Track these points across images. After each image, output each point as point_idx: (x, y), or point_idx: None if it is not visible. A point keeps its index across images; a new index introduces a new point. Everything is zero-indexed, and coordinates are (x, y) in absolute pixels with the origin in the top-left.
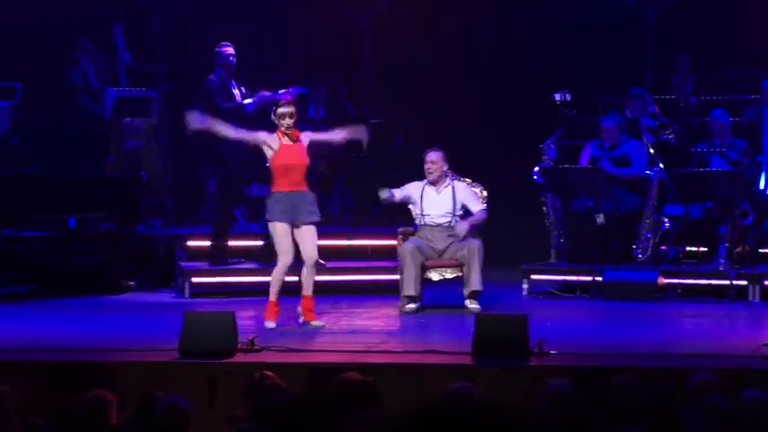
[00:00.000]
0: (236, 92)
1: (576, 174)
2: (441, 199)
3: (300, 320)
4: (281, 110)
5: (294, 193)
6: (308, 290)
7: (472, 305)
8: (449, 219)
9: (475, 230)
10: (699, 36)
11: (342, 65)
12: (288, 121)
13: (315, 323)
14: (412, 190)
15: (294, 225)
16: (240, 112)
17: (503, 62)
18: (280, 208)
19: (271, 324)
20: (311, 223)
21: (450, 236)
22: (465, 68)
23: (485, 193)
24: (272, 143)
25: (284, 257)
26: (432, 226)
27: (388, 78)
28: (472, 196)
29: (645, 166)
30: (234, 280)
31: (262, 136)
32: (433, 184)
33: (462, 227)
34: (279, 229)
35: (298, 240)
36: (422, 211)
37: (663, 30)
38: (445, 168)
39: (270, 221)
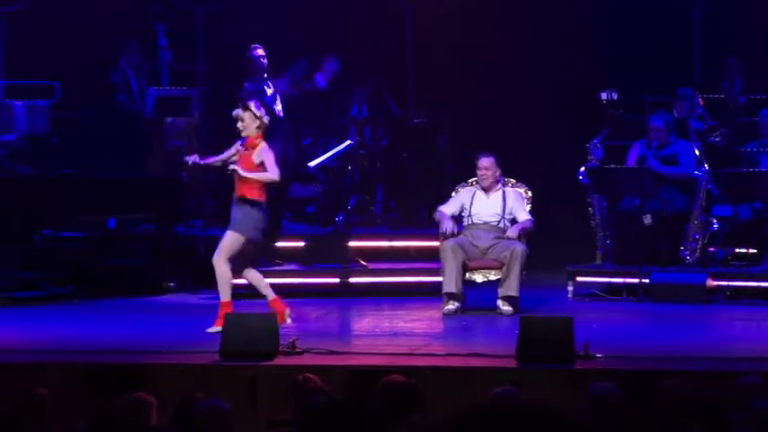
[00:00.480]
0: (269, 90)
1: (623, 174)
2: (491, 202)
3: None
4: (233, 113)
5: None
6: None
7: (504, 307)
8: (497, 219)
9: (523, 235)
10: (747, 36)
11: (385, 63)
12: (238, 126)
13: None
14: (463, 198)
15: None
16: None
17: (549, 60)
18: None
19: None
20: (230, 228)
21: (496, 237)
22: (510, 66)
23: (529, 194)
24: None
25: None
26: (478, 224)
27: (433, 77)
28: (521, 205)
29: (693, 166)
30: (275, 281)
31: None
32: (484, 189)
33: (513, 231)
34: None
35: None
36: (470, 212)
37: (711, 28)
38: (498, 174)
39: None
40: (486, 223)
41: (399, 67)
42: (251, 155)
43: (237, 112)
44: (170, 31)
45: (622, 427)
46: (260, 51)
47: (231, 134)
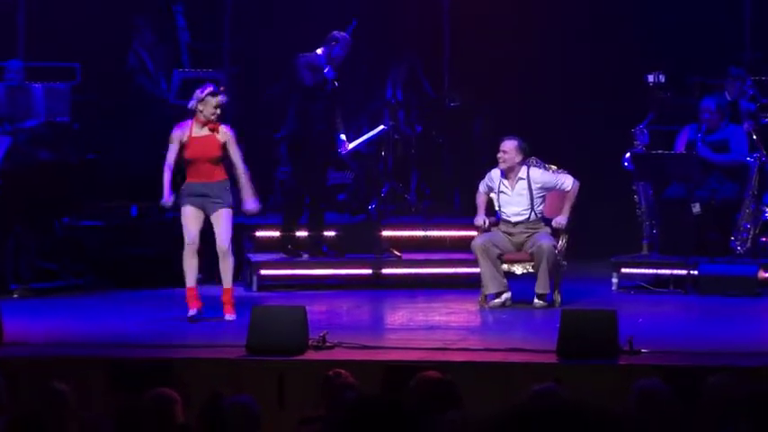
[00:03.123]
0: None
1: (670, 160)
2: (516, 195)
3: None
4: (219, 98)
5: (203, 185)
6: (225, 282)
7: (538, 302)
8: (526, 215)
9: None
10: None
11: (421, 42)
12: (218, 112)
13: (227, 317)
14: (493, 179)
15: (206, 212)
16: (324, 84)
17: (593, 41)
18: (189, 194)
19: (192, 312)
20: (224, 207)
21: (528, 228)
22: (552, 47)
23: (553, 167)
24: (183, 138)
25: (186, 239)
26: (510, 223)
27: (469, 59)
28: (551, 178)
29: (745, 152)
30: (304, 272)
31: (175, 142)
32: (506, 175)
33: (560, 221)
34: (186, 212)
35: (214, 227)
36: (499, 205)
37: (763, 4)
38: (518, 160)
39: (180, 205)
40: (517, 223)
41: (434, 47)
42: (218, 137)
43: (225, 99)
44: (189, 11)
45: (669, 425)
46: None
47: (261, 116)
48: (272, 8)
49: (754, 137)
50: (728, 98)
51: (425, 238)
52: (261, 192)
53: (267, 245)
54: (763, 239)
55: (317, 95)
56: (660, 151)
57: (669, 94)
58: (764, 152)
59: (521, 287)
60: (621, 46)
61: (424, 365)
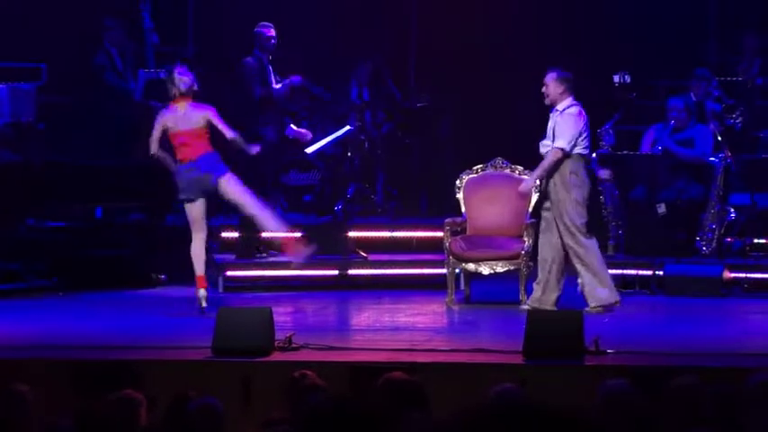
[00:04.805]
0: (273, 78)
1: (636, 161)
2: (550, 127)
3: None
4: (177, 71)
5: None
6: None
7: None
8: (547, 148)
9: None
10: (766, 12)
11: (386, 41)
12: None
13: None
14: None
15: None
16: (272, 97)
17: (557, 41)
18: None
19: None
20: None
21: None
22: (516, 48)
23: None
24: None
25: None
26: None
27: (434, 59)
28: (562, 127)
29: (709, 151)
30: (270, 274)
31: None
32: (551, 107)
33: (524, 186)
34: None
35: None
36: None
37: (728, 4)
38: (560, 91)
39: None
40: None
41: (400, 48)
42: None
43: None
44: (156, 12)
45: (635, 425)
46: (271, 32)
47: (225, 116)
48: (235, 10)
49: (719, 138)
50: (694, 99)
51: (392, 238)
52: None
53: (233, 246)
54: (728, 240)
55: (259, 100)
56: (626, 152)
57: (635, 94)
58: (729, 153)
59: (487, 288)
60: (587, 46)
61: (391, 366)
